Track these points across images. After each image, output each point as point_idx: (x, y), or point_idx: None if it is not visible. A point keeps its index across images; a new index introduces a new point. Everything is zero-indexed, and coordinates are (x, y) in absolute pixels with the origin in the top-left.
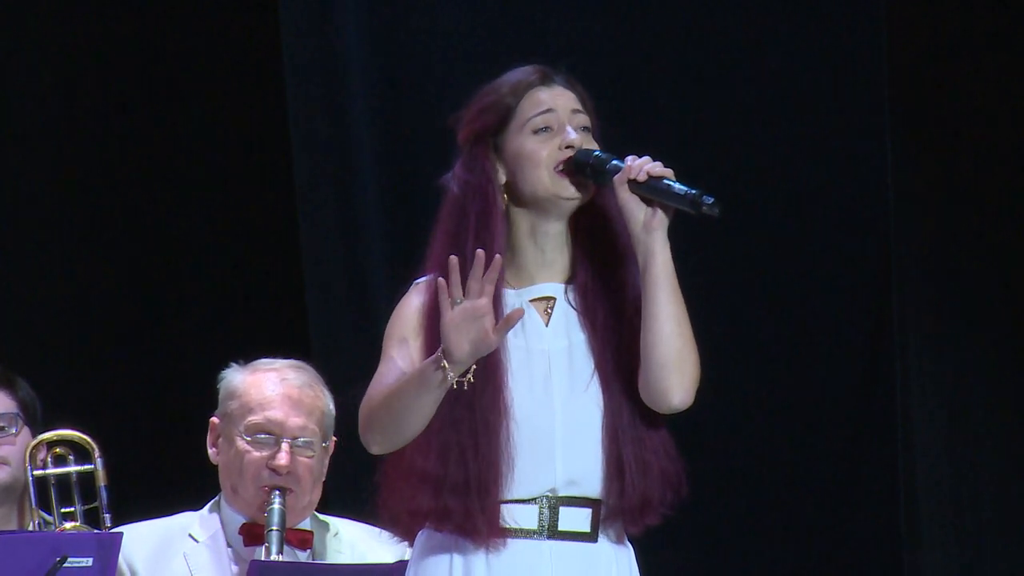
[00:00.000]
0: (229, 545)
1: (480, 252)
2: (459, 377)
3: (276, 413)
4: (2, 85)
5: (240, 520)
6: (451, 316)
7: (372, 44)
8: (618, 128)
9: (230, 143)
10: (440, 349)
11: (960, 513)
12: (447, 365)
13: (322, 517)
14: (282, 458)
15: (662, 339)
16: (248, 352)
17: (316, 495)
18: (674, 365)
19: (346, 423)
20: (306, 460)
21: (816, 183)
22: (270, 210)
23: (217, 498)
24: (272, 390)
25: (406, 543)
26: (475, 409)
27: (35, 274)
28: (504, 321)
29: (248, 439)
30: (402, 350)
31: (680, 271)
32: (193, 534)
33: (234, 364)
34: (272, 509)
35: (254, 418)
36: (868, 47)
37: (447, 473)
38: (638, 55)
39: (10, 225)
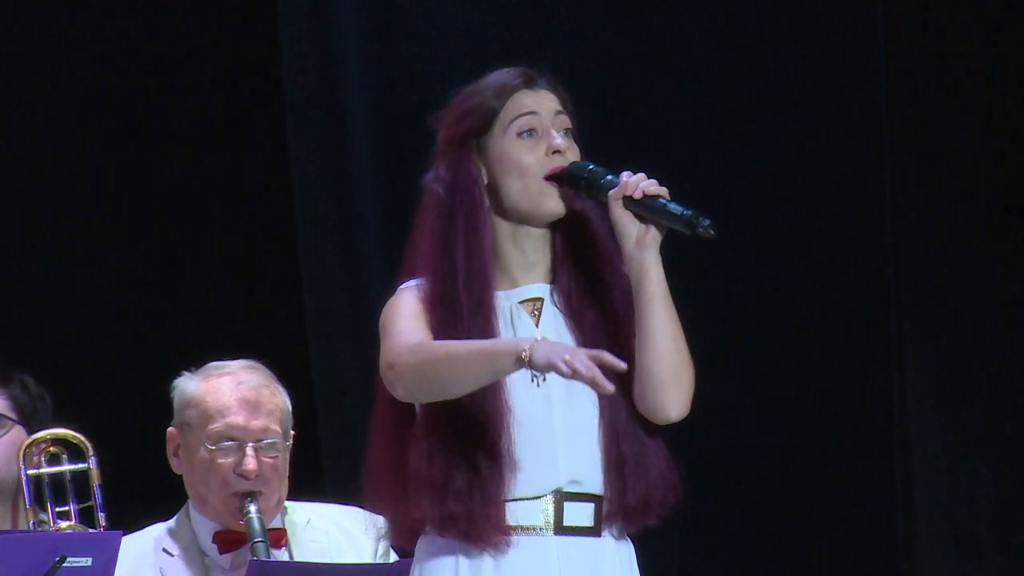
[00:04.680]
0: (204, 554)
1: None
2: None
3: (236, 418)
4: (1, 86)
5: (211, 527)
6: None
7: (370, 42)
8: (616, 127)
9: (229, 143)
10: (528, 349)
11: (957, 512)
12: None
13: (291, 506)
14: (249, 463)
15: (659, 357)
16: (247, 351)
17: (284, 492)
18: (672, 381)
19: (342, 421)
20: (271, 460)
21: (815, 182)
22: (269, 211)
23: (185, 507)
24: (229, 395)
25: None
26: (477, 413)
27: (35, 274)
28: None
29: (212, 448)
30: (417, 321)
31: (678, 271)
32: (167, 548)
33: (185, 372)
34: (251, 519)
35: (215, 426)
36: (866, 47)
37: (450, 479)
38: (636, 53)
39: (10, 225)
